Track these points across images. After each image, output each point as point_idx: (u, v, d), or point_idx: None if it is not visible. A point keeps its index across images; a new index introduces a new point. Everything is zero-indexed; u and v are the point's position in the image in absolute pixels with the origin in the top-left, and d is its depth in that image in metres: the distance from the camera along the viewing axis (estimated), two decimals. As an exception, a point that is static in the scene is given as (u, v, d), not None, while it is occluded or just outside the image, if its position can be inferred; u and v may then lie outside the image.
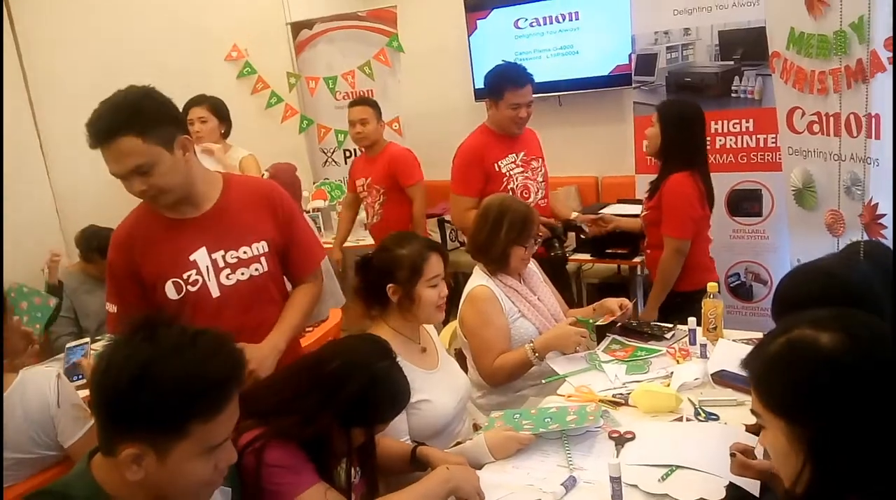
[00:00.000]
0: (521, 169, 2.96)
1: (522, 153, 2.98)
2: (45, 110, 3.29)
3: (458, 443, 1.75)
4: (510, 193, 2.84)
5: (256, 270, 1.76)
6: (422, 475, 1.55)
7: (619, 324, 2.26)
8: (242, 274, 1.74)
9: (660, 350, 2.10)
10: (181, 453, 1.02)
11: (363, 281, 1.84)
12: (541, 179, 3.06)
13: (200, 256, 1.71)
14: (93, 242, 3.02)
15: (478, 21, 4.52)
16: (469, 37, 4.53)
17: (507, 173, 2.91)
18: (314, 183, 4.59)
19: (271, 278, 1.80)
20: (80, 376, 2.34)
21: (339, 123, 4.48)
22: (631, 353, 2.12)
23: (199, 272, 1.71)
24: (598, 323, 2.17)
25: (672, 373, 1.93)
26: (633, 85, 3.70)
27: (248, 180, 1.84)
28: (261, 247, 1.77)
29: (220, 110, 3.27)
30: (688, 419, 1.73)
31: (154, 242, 1.73)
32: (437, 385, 1.81)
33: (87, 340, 2.55)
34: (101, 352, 1.07)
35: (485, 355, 2.06)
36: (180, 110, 1.78)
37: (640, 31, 3.68)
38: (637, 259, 3.38)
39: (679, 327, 2.23)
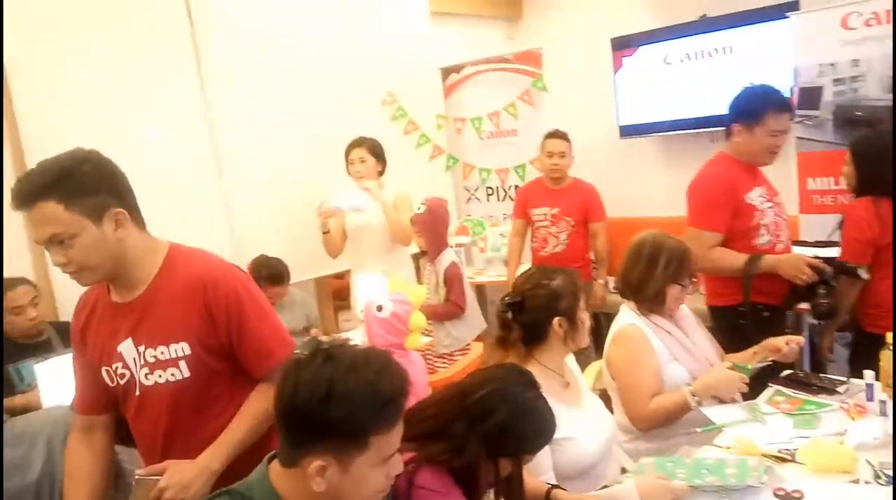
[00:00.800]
0: (770, 204, 2.58)
1: (765, 188, 2.62)
2: (224, 149, 3.67)
3: (605, 486, 1.71)
4: (761, 229, 2.50)
5: (173, 375, 1.49)
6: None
7: (783, 374, 2.12)
8: (160, 377, 1.50)
9: (831, 405, 1.94)
10: (361, 464, 1.11)
11: (523, 321, 1.81)
12: (785, 217, 2.68)
13: (126, 347, 1.51)
14: (262, 271, 3.31)
15: (623, 59, 4.49)
16: (615, 74, 4.51)
17: (759, 207, 2.52)
18: (458, 219, 4.72)
19: (198, 387, 1.52)
20: None
21: (484, 161, 4.63)
22: (798, 406, 1.97)
23: (125, 365, 1.51)
24: (756, 366, 2.04)
25: (846, 430, 1.77)
26: (797, 119, 3.49)
27: (188, 268, 1.53)
28: (179, 350, 1.49)
29: (377, 151, 3.52)
30: (866, 482, 1.58)
31: (98, 321, 1.55)
32: (581, 423, 1.79)
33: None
34: (285, 374, 1.15)
35: (636, 398, 2.00)
36: (123, 181, 1.57)
37: (803, 63, 3.49)
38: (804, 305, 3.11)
39: (853, 380, 2.05)
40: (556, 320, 1.79)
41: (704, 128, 4.18)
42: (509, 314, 1.81)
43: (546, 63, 4.32)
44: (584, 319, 1.83)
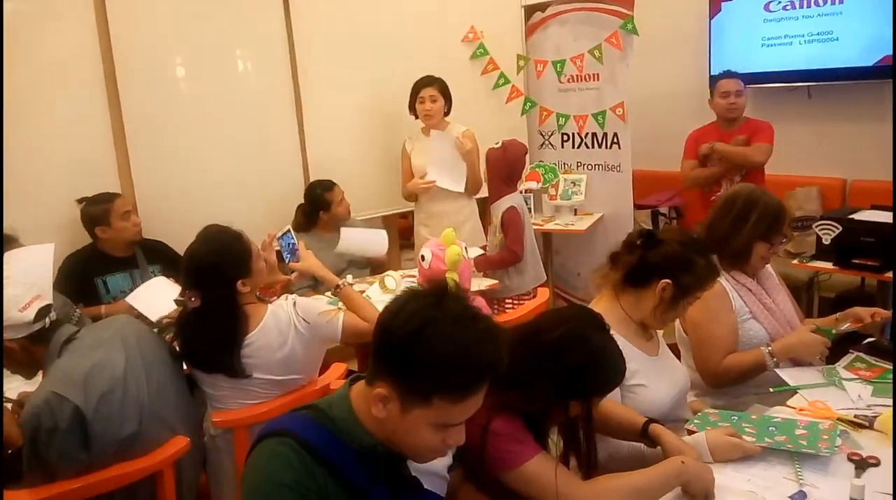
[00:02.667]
0: None
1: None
2: (307, 83, 3.70)
3: None
4: None
5: None
6: (642, 448, 1.58)
7: (865, 341, 2.03)
8: None
9: (916, 375, 1.85)
10: (419, 416, 1.10)
11: (641, 256, 1.74)
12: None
13: None
14: (315, 188, 3.44)
15: (723, 3, 4.23)
16: (711, 20, 4.26)
17: None
18: (529, 164, 4.64)
19: None
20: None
21: (561, 106, 4.49)
22: (879, 374, 1.89)
23: None
24: (840, 331, 1.96)
25: (930, 403, 1.69)
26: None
27: None
28: None
29: (446, 91, 3.59)
30: (947, 456, 1.51)
31: None
32: (655, 372, 1.77)
33: (288, 228, 2.72)
34: (399, 297, 1.16)
35: (711, 354, 1.95)
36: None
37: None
38: (889, 273, 2.97)
39: (943, 352, 1.94)
40: (665, 282, 1.71)
41: (802, 82, 3.93)
42: (639, 241, 1.74)
43: (638, 4, 4.11)
44: (684, 308, 1.76)
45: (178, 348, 2.02)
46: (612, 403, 1.68)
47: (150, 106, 3.23)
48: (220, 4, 3.41)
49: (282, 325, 1.98)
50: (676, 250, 1.71)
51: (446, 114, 3.60)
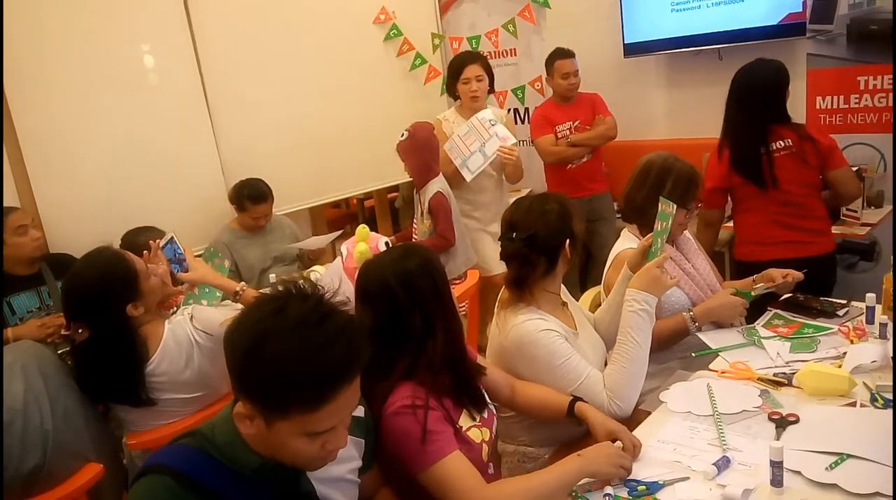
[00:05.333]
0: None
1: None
2: (212, 75, 3.52)
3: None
4: None
5: None
6: (571, 428, 1.61)
7: (781, 298, 2.08)
8: None
9: (831, 328, 1.91)
10: (284, 429, 1.02)
11: (542, 252, 1.75)
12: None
13: None
14: (244, 190, 3.24)
15: (630, -29, 4.25)
16: (620, -11, 4.27)
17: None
18: (455, 144, 4.59)
19: None
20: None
21: (482, 83, 4.44)
22: (796, 330, 1.94)
23: None
24: (757, 292, 2.01)
25: (845, 353, 1.75)
26: (808, 35, 3.33)
27: None
28: None
29: (489, 68, 3.41)
30: (862, 405, 1.55)
31: None
32: (581, 346, 1.77)
33: (172, 235, 2.47)
34: (243, 310, 1.08)
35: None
36: None
37: (819, -27, 3.29)
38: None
39: (854, 303, 2.01)
40: (567, 242, 1.76)
41: (712, 45, 4.00)
42: (525, 249, 1.73)
43: (548, -23, 4.10)
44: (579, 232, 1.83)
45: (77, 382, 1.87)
46: (535, 386, 1.69)
47: (45, 112, 3.00)
48: (117, 7, 3.19)
49: (182, 343, 1.89)
50: (550, 221, 1.74)
51: (489, 92, 3.43)
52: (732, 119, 2.58)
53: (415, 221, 3.36)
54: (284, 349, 0.98)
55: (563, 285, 1.87)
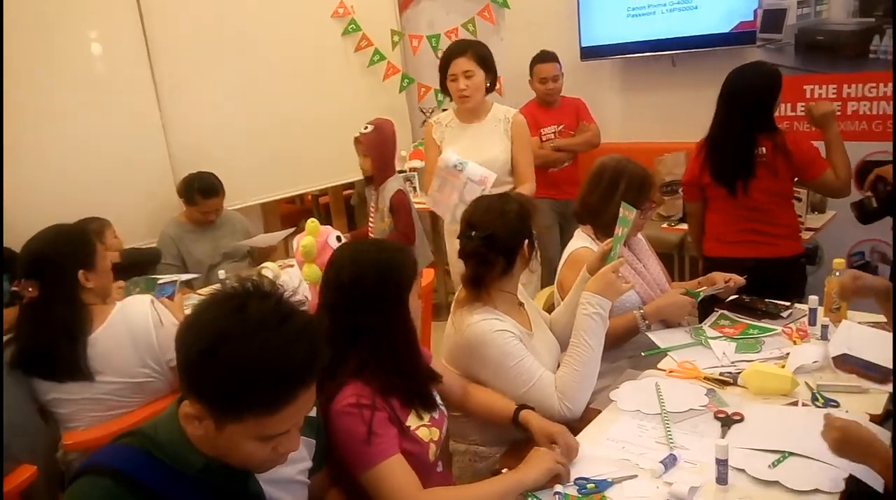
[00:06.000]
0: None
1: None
2: (161, 64, 3.42)
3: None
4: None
5: None
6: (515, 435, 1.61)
7: (727, 299, 2.13)
8: None
9: (774, 329, 1.95)
10: (236, 432, 0.99)
11: (500, 252, 1.73)
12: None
13: None
14: (194, 184, 3.15)
15: (588, -25, 4.30)
16: (578, -8, 4.32)
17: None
18: (413, 142, 4.58)
19: None
20: None
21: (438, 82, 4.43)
22: (741, 330, 1.98)
23: None
24: (703, 294, 2.04)
25: (788, 354, 1.79)
26: (758, 43, 3.42)
27: None
28: None
29: (487, 60, 2.64)
30: (804, 404, 1.59)
31: None
32: (535, 347, 1.77)
33: (177, 278, 2.58)
34: (196, 306, 1.03)
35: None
36: None
37: (769, -17, 3.38)
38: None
39: (797, 306, 2.07)
40: (525, 245, 1.75)
41: (666, 51, 4.08)
42: (483, 248, 1.71)
43: (507, -23, 4.11)
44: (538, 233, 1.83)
45: (14, 357, 1.81)
46: (485, 391, 1.70)
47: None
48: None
49: (135, 318, 1.86)
50: (508, 221, 1.73)
51: (489, 90, 2.69)
52: (720, 124, 2.51)
53: (371, 219, 3.32)
54: (244, 351, 0.94)
55: (520, 285, 1.87)
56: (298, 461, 1.27)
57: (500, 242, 1.72)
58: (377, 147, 3.04)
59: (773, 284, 2.20)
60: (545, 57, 3.73)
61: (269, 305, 1.00)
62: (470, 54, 2.58)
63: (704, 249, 2.63)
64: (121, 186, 3.26)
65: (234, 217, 3.39)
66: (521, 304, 1.87)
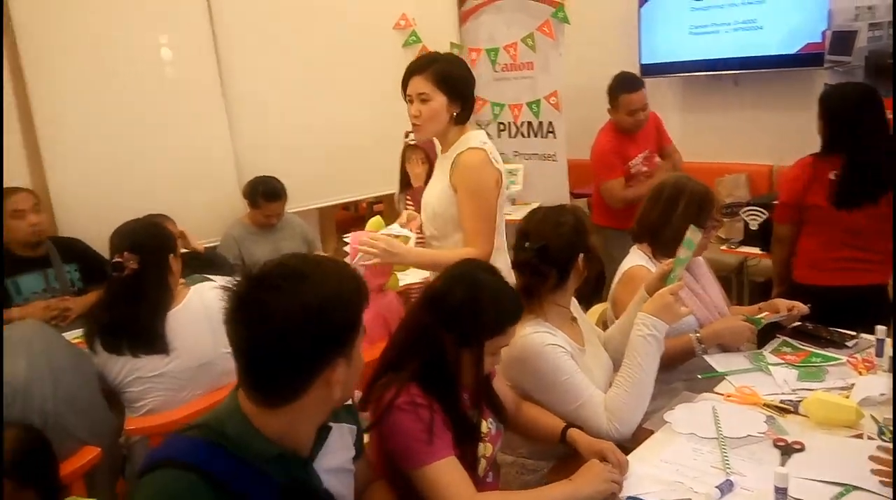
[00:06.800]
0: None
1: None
2: (232, 71, 3.54)
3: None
4: None
5: None
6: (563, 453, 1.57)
7: (788, 327, 2.08)
8: None
9: (839, 358, 1.89)
10: (359, 345, 1.11)
11: (553, 265, 1.72)
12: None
13: None
14: (258, 187, 3.27)
15: (651, -7, 4.28)
16: (640, 8, 4.30)
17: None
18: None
19: None
20: None
21: (496, 95, 4.46)
22: (804, 358, 1.93)
23: None
24: (764, 321, 2.00)
25: (852, 385, 1.74)
26: (826, 65, 3.34)
27: None
28: None
29: (450, 81, 1.99)
30: (869, 437, 1.54)
31: None
32: (587, 364, 1.76)
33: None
34: (261, 308, 1.02)
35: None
36: None
37: (839, 5, 3.30)
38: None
39: (863, 335, 2.00)
40: (580, 259, 1.74)
41: (729, 70, 4.01)
42: (536, 260, 1.71)
43: (570, -7, 4.12)
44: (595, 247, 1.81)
45: (94, 331, 1.98)
46: (535, 408, 1.69)
47: (61, 97, 3.03)
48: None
49: (212, 302, 1.97)
50: (562, 234, 1.72)
51: (458, 119, 2.03)
52: (849, 132, 2.35)
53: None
54: (336, 281, 1.08)
55: (574, 300, 1.86)
56: (347, 448, 1.30)
57: (553, 255, 1.71)
58: (433, 150, 3.08)
59: (857, 311, 2.12)
60: (633, 84, 3.29)
61: (295, 264, 1.10)
62: (429, 73, 1.99)
63: (795, 275, 2.52)
64: (187, 185, 3.38)
65: (294, 221, 3.48)
66: (573, 319, 1.86)
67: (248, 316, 1.03)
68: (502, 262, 2.02)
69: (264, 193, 3.25)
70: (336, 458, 1.24)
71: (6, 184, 2.76)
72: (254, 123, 3.62)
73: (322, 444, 1.19)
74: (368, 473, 1.44)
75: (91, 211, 3.05)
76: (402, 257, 1.93)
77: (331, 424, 1.20)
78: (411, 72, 2.02)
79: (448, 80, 1.99)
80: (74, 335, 2.23)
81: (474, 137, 2.03)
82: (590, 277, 1.80)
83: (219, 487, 1.01)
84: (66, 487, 1.65)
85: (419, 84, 1.99)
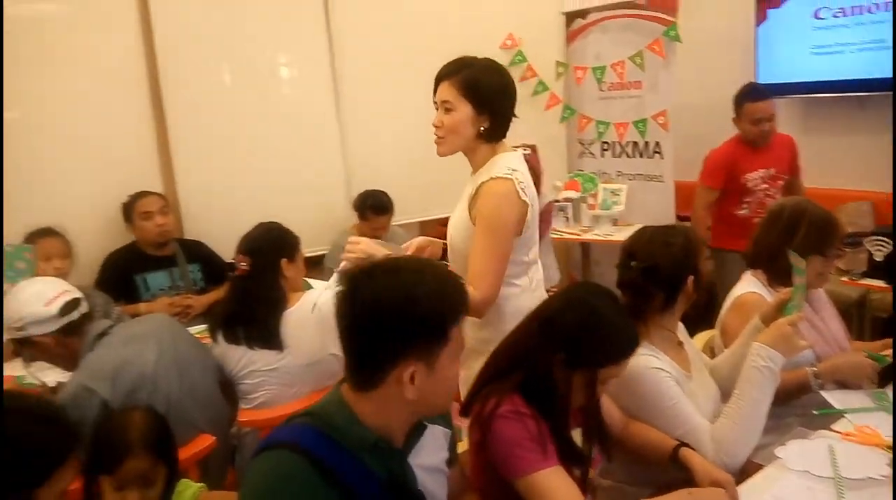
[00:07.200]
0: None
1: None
2: (345, 90, 3.71)
3: None
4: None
5: None
6: (671, 471, 1.53)
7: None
8: None
9: (972, 402, 1.74)
10: (444, 358, 1.12)
11: (661, 285, 1.69)
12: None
13: None
14: (368, 201, 3.42)
15: (769, 11, 4.11)
16: (757, 27, 4.14)
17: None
18: (568, 173, 4.58)
19: None
20: None
21: (602, 114, 4.42)
22: (933, 400, 1.78)
23: None
24: (889, 360, 1.86)
25: None
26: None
27: None
28: None
29: (477, 92, 1.78)
30: None
31: None
32: (693, 391, 1.71)
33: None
34: (350, 291, 1.11)
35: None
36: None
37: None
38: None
39: None
40: (691, 278, 1.68)
41: (854, 92, 3.79)
42: (641, 280, 1.68)
43: (682, 11, 4.03)
44: (706, 271, 1.76)
45: (218, 323, 2.16)
46: (643, 425, 1.65)
47: (192, 109, 3.28)
48: (261, 8, 3.44)
49: (325, 305, 2.07)
50: (671, 253, 1.67)
51: (486, 136, 1.82)
52: None
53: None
54: (430, 281, 1.12)
55: (680, 324, 1.81)
56: (441, 449, 1.32)
57: (661, 276, 1.67)
58: (538, 165, 3.14)
59: None
60: (759, 93, 3.26)
61: (396, 260, 1.21)
62: (456, 79, 1.78)
63: None
64: (300, 196, 3.55)
65: (399, 234, 3.60)
66: (680, 343, 1.81)
67: (342, 298, 1.12)
68: (535, 275, 1.93)
69: (373, 207, 3.38)
70: (431, 457, 1.27)
71: (141, 188, 3.04)
72: (364, 138, 3.78)
73: (417, 440, 1.23)
74: (462, 483, 1.45)
75: (213, 216, 3.28)
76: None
77: (425, 423, 1.25)
78: (440, 77, 1.84)
79: (475, 88, 1.77)
80: (196, 330, 2.40)
81: (503, 162, 1.79)
82: (699, 301, 1.75)
83: (326, 472, 1.07)
84: (181, 472, 1.77)
85: (444, 90, 1.81)
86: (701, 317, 2.76)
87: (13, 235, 2.71)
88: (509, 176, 1.74)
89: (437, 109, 1.84)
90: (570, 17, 4.48)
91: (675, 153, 4.13)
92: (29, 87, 2.85)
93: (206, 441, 1.85)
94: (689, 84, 4.27)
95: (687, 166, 3.81)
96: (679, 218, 4.22)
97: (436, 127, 1.83)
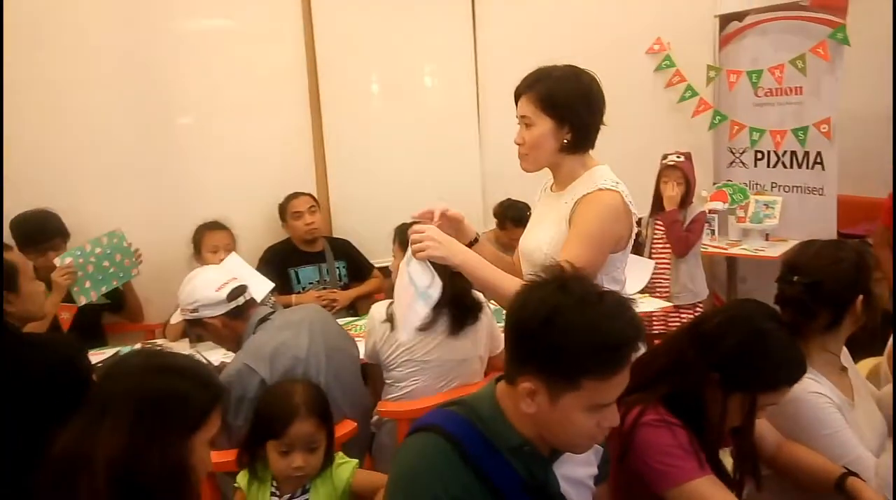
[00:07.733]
0: None
1: None
2: (487, 104, 3.80)
3: None
4: None
5: None
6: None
7: None
8: None
9: None
10: (569, 402, 1.08)
11: (819, 300, 1.57)
12: None
13: None
14: (508, 211, 3.46)
15: (959, 8, 3.68)
16: (943, 28, 3.72)
17: None
18: (714, 183, 4.36)
19: None
20: None
21: (756, 120, 4.17)
22: None
23: None
24: None
25: None
26: None
27: None
28: None
29: (556, 105, 1.70)
30: None
31: None
32: (856, 421, 1.57)
33: None
34: (521, 290, 1.17)
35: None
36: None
37: None
38: None
39: None
40: (859, 298, 1.56)
41: None
42: (805, 297, 1.56)
43: (852, 12, 3.71)
44: (880, 293, 1.61)
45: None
46: (802, 447, 1.53)
47: (347, 120, 3.51)
48: (413, 23, 3.61)
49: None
50: (840, 270, 1.54)
51: (567, 148, 1.73)
52: None
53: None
54: (577, 319, 1.06)
55: (844, 348, 1.67)
56: (588, 464, 1.31)
57: (827, 293, 1.55)
58: (692, 173, 3.07)
59: None
60: None
61: (583, 285, 1.12)
62: (532, 94, 1.71)
63: None
64: (435, 198, 3.68)
65: None
66: (843, 368, 1.66)
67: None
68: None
69: (512, 218, 3.42)
70: (577, 470, 1.26)
71: (298, 189, 3.28)
72: (502, 149, 3.81)
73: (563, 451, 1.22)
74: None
75: (360, 217, 3.48)
76: (451, 253, 1.54)
77: None
78: (518, 92, 1.77)
79: (552, 100, 1.69)
80: (343, 322, 2.55)
81: (605, 174, 1.71)
82: (868, 324, 1.60)
83: (471, 462, 1.11)
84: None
85: (523, 106, 1.75)
86: (867, 343, 2.54)
87: (186, 229, 3.04)
88: (615, 188, 1.67)
89: (518, 125, 1.78)
90: (725, 19, 4.27)
91: (838, 165, 3.81)
92: (199, 95, 3.20)
93: (348, 426, 1.96)
94: (857, 90, 3.92)
95: (851, 179, 3.53)
96: (840, 235, 3.89)
97: (518, 144, 1.78)
